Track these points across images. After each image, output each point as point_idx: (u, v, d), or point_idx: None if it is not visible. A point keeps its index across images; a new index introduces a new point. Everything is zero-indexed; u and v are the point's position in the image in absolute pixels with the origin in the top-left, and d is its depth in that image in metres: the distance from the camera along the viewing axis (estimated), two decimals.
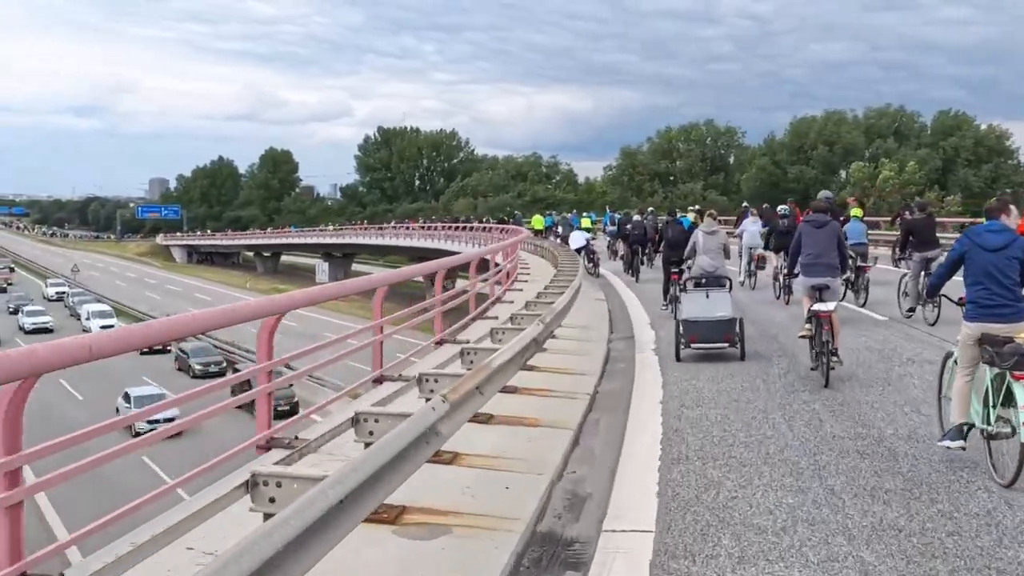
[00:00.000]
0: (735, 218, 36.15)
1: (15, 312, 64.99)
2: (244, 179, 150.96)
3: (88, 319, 54.96)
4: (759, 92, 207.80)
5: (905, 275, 14.94)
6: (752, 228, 21.24)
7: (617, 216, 37.41)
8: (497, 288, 18.23)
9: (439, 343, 11.80)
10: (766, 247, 19.60)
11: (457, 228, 53.11)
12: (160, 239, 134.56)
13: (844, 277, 14.51)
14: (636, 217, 28.60)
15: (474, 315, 14.59)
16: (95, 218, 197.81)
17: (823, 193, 15.89)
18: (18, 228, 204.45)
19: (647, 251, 26.54)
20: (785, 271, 16.09)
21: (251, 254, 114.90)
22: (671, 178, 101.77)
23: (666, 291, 17.33)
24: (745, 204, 38.10)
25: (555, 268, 22.51)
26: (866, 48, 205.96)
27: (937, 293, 7.93)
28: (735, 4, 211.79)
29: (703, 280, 13.02)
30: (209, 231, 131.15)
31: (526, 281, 22.80)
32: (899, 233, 16.32)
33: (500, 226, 45.24)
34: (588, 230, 33.79)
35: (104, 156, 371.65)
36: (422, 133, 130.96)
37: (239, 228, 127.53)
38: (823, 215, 11.32)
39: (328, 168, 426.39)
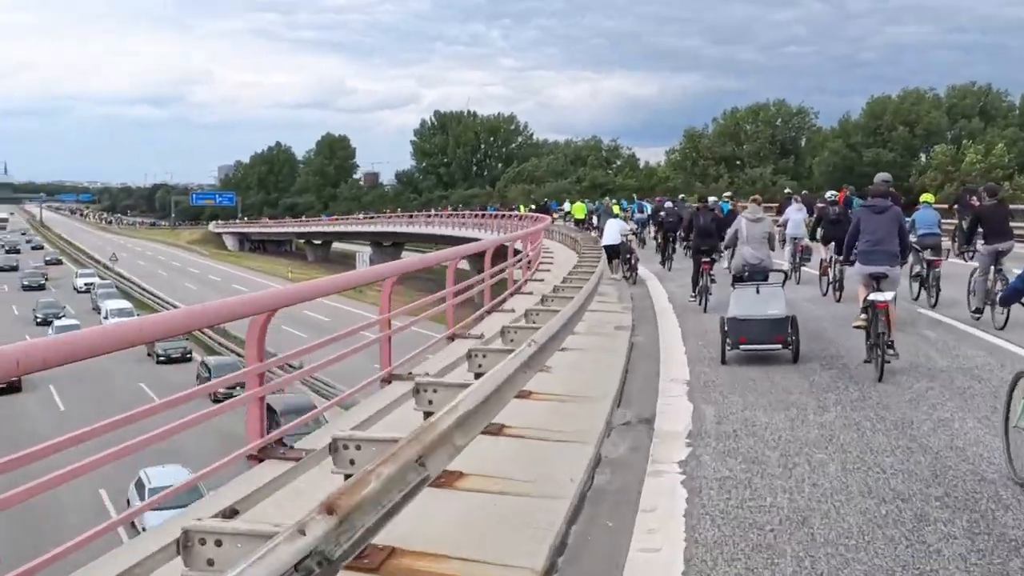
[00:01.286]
0: (777, 205, 35.81)
1: (44, 323, 55.17)
2: (301, 165, 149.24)
3: (106, 317, 52.03)
4: (832, 76, 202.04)
5: (975, 270, 13.52)
6: (796, 216, 20.16)
7: (646, 204, 37.94)
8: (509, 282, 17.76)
9: (451, 338, 11.65)
10: (812, 237, 18.53)
11: (484, 216, 52.06)
12: (212, 227, 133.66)
13: (915, 272, 14.86)
14: (668, 204, 28.39)
15: (488, 307, 14.46)
16: (161, 205, 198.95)
17: (881, 176, 13.98)
18: (81, 215, 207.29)
19: (678, 239, 24.97)
20: (838, 262, 15.29)
21: (302, 242, 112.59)
22: (738, 162, 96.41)
23: (695, 282, 16.76)
24: (788, 191, 36.57)
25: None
26: (945, 30, 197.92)
27: (1015, 303, 7.30)
28: None
29: (746, 273, 12.29)
30: (267, 218, 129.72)
31: (548, 271, 22.52)
32: (965, 222, 15.31)
33: (529, 215, 42.98)
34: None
35: (177, 145, 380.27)
36: (479, 117, 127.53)
37: (295, 215, 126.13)
38: (883, 199, 10.81)
39: (394, 155, 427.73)
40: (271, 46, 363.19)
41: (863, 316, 10.19)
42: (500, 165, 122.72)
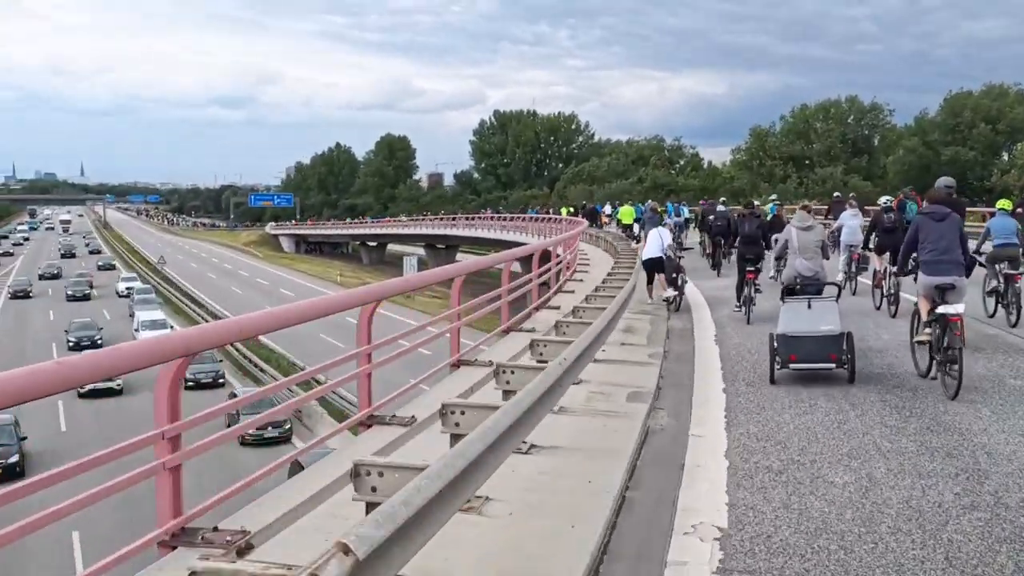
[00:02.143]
0: (825, 209, 34.14)
1: (76, 347, 46.53)
2: (362, 166, 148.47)
3: (138, 329, 48.59)
4: (905, 73, 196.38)
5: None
6: (852, 222, 18.99)
7: (684, 208, 37.62)
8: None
9: (507, 331, 12.78)
10: (865, 246, 17.45)
11: (524, 220, 51.87)
12: (269, 228, 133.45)
13: (990, 288, 14.02)
14: (720, 208, 26.87)
15: (537, 304, 15.39)
16: (227, 206, 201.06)
17: (944, 180, 13.14)
18: (147, 216, 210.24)
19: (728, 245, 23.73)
20: (892, 274, 14.19)
21: (357, 244, 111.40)
22: (807, 161, 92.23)
23: (740, 291, 16.32)
24: (837, 194, 35.40)
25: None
26: (1022, 24, 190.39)
27: None
28: None
29: (797, 286, 11.74)
30: (329, 219, 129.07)
31: (586, 271, 23.47)
32: None
33: (567, 218, 41.67)
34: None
35: (248, 146, 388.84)
36: (539, 116, 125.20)
37: (354, 216, 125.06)
38: (943, 207, 10.32)
39: (458, 156, 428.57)
40: (340, 47, 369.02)
41: (927, 330, 9.84)
42: (560, 165, 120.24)
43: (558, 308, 14.88)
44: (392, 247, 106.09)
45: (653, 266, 17.63)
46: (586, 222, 37.26)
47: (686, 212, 38.64)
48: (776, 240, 13.90)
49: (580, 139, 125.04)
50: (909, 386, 9.97)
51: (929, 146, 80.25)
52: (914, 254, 10.31)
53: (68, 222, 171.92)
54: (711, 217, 26.13)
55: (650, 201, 35.65)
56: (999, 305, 13.88)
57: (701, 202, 41.67)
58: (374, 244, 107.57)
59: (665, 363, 11.55)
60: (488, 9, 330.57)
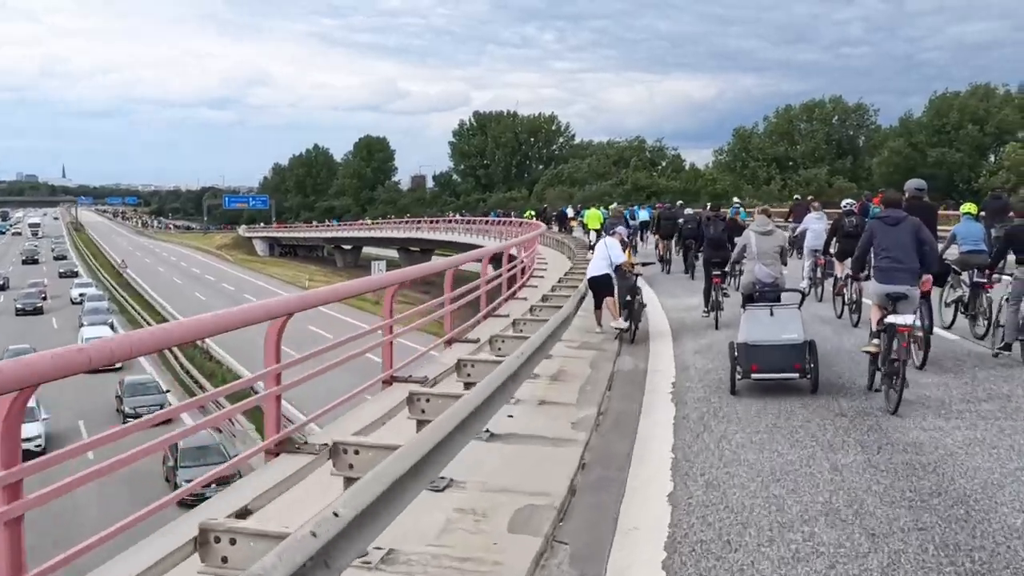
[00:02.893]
0: (786, 212, 33.68)
1: None
2: (341, 168, 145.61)
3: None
4: (894, 76, 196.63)
5: (1005, 298, 11.73)
6: (816, 226, 18.32)
7: (638, 210, 36.99)
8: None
9: (449, 342, 12.47)
10: (825, 251, 17.01)
11: (487, 223, 51.39)
12: (242, 231, 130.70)
13: (953, 297, 13.53)
14: (689, 211, 26.88)
15: (484, 313, 15.09)
16: (209, 208, 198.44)
17: (913, 182, 12.54)
18: (122, 218, 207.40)
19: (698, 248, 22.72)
20: (854, 281, 13.88)
21: (332, 247, 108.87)
22: (791, 163, 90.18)
23: (707, 296, 16.03)
24: (797, 197, 34.79)
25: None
26: (1011, 28, 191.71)
27: None
28: None
29: (757, 292, 11.18)
30: (309, 222, 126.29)
31: (542, 277, 23.12)
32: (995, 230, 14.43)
33: (528, 222, 41.71)
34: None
35: (234, 148, 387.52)
36: (519, 117, 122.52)
37: (332, 218, 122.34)
38: (898, 210, 9.91)
39: (443, 157, 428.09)
40: (328, 49, 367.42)
41: (875, 341, 9.60)
42: (541, 167, 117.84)
43: (507, 316, 14.76)
44: (368, 250, 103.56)
45: (599, 287, 14.29)
46: (543, 226, 36.71)
47: (643, 215, 36.44)
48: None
49: (561, 140, 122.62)
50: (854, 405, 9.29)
51: (915, 147, 78.39)
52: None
53: (37, 225, 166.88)
54: (681, 220, 25.62)
55: (615, 204, 33.57)
56: (960, 314, 13.34)
57: (658, 205, 40.52)
58: (349, 247, 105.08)
59: (595, 436, 8.33)
60: (475, 11, 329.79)
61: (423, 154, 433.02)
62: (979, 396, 9.44)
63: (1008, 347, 11.33)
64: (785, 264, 12.50)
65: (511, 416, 8.17)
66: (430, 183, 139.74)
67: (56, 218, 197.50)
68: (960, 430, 8.11)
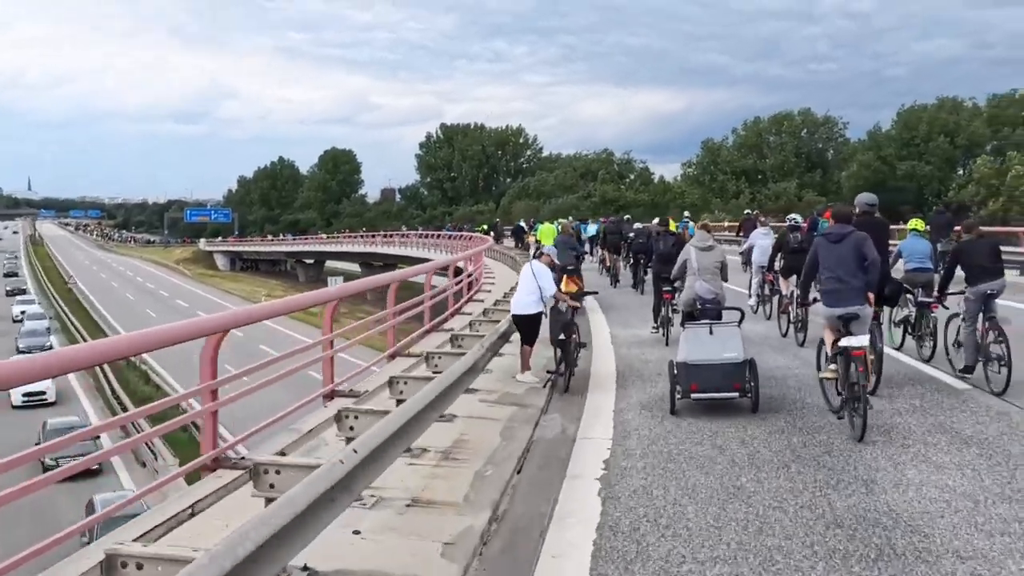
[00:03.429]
0: (736, 226, 33.44)
1: None
2: (306, 180, 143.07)
3: None
4: (861, 92, 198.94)
5: (955, 317, 11.37)
6: (763, 242, 17.96)
7: (586, 225, 36.45)
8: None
9: (392, 356, 12.62)
10: (770, 268, 16.66)
11: (439, 237, 51.94)
12: (203, 244, 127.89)
13: (901, 316, 12.93)
14: (638, 225, 26.51)
15: (428, 327, 15.22)
16: (172, 222, 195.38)
17: (863, 197, 11.62)
18: (83, 231, 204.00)
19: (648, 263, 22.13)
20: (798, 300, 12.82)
21: (294, 261, 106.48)
22: (760, 176, 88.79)
23: (657, 311, 15.76)
24: (748, 211, 34.38)
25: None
26: (970, 45, 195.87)
27: None
28: (836, 2, 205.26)
29: (698, 309, 11.50)
30: (260, 235, 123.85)
31: (490, 291, 23.16)
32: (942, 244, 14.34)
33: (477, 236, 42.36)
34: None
35: (202, 161, 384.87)
36: (487, 130, 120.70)
37: (297, 232, 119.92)
38: (844, 225, 9.49)
39: (412, 171, 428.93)
40: (298, 63, 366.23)
41: (831, 367, 9.12)
42: (509, 180, 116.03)
43: (450, 330, 14.67)
44: (331, 264, 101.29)
45: (525, 328, 11.69)
46: (490, 240, 36.81)
47: (591, 230, 35.50)
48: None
49: (529, 153, 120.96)
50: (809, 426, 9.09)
51: (884, 160, 77.42)
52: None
53: None
54: (631, 235, 25.22)
55: (569, 218, 32.45)
56: (907, 335, 12.89)
57: (602, 219, 39.83)
58: (311, 261, 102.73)
59: (478, 565, 5.75)
60: (446, 26, 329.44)
61: (393, 168, 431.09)
62: (929, 423, 9.01)
63: (970, 369, 10.84)
64: (726, 280, 12.51)
65: (358, 533, 5.84)
66: (400, 197, 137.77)
67: (16, 232, 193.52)
68: (908, 459, 7.79)
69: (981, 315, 10.80)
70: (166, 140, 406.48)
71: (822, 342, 9.78)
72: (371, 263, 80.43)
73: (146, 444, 28.84)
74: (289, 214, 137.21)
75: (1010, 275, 14.40)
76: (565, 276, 19.05)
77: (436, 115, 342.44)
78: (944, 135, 75.36)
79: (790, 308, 14.94)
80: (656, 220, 22.22)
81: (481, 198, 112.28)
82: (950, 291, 11.35)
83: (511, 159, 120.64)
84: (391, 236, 68.66)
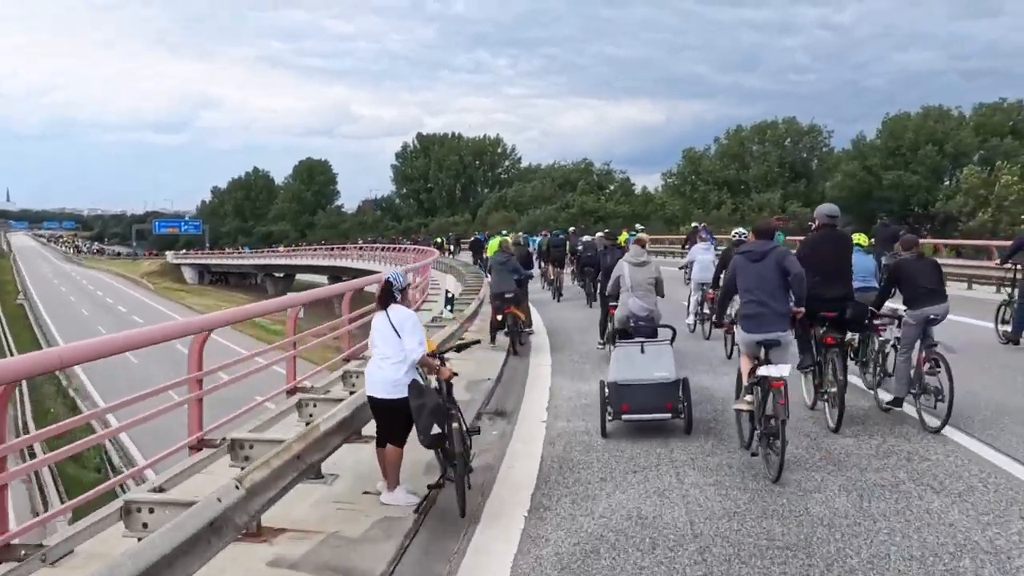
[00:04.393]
0: (683, 239, 33.46)
1: None
2: (282, 191, 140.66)
3: None
4: (840, 103, 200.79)
5: (887, 342, 10.68)
6: (704, 257, 17.53)
7: (532, 238, 36.57)
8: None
9: (347, 359, 13.61)
10: (715, 284, 14.91)
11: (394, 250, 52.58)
12: (170, 257, 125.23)
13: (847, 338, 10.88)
14: (587, 237, 27.20)
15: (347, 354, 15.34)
16: (141, 233, 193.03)
17: (824, 208, 10.46)
18: (54, 243, 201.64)
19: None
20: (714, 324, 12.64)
21: (264, 274, 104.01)
22: (742, 186, 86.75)
23: (603, 327, 15.17)
24: (695, 224, 33.23)
25: None
26: (948, 57, 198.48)
27: None
28: (815, 14, 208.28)
29: (631, 327, 11.52)
30: (240, 248, 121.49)
31: (435, 302, 23.24)
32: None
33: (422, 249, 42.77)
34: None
35: (183, 172, 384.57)
36: (464, 140, 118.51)
37: (270, 244, 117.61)
38: (766, 241, 9.01)
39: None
40: (279, 73, 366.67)
41: (748, 397, 8.46)
42: (487, 190, 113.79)
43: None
44: (301, 277, 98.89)
45: (384, 419, 7.62)
46: (436, 253, 37.20)
47: (535, 243, 34.37)
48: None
49: (507, 164, 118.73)
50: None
51: (869, 170, 75.49)
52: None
53: None
54: (580, 248, 25.14)
55: (517, 232, 31.03)
56: (853, 361, 11.54)
57: (543, 232, 39.85)
58: (281, 275, 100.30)
59: None
60: (428, 37, 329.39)
61: (374, 179, 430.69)
62: (869, 462, 8.46)
63: (899, 402, 10.09)
64: (661, 296, 12.29)
65: None
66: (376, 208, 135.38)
67: None
68: (837, 497, 7.43)
69: (919, 342, 9.91)
70: (147, 151, 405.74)
71: (739, 372, 9.14)
72: (340, 276, 78.33)
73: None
74: (263, 226, 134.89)
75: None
76: (493, 310, 16.97)
77: (419, 126, 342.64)
78: (931, 144, 73.56)
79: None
80: (600, 233, 22.15)
81: (458, 209, 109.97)
82: (884, 314, 10.53)
83: (488, 169, 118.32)
84: (346, 248, 69.02)
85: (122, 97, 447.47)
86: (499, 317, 16.38)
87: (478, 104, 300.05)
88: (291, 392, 10.68)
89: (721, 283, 13.82)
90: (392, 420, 7.48)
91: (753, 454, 8.41)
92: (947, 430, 9.29)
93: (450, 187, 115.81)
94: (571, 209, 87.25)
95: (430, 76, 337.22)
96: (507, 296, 16.43)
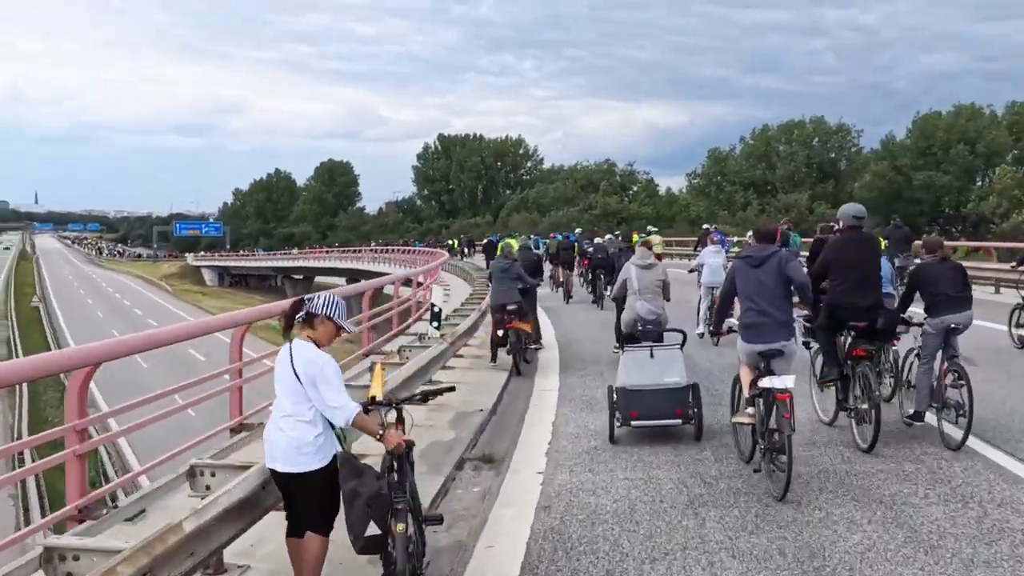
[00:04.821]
0: (695, 242, 33.63)
1: None
2: (303, 193, 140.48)
3: None
4: (864, 105, 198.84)
5: (912, 352, 9.74)
6: (714, 260, 17.06)
7: (538, 239, 37.46)
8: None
9: (366, 354, 14.07)
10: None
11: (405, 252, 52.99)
12: (191, 259, 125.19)
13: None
14: (598, 240, 27.73)
15: (395, 332, 16.88)
16: (162, 235, 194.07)
17: (850, 208, 9.53)
18: (77, 245, 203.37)
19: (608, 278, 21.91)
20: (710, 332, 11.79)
21: (282, 277, 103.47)
22: (769, 187, 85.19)
23: (618, 332, 13.52)
24: (706, 226, 33.17)
25: None
26: (970, 59, 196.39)
27: None
28: (840, 15, 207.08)
29: (638, 331, 11.21)
30: (255, 251, 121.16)
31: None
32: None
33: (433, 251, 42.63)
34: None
35: (207, 174, 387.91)
36: (485, 141, 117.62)
37: (291, 246, 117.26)
38: (767, 245, 8.43)
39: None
40: (304, 77, 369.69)
41: (749, 410, 8.02)
42: (508, 192, 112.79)
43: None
44: (320, 279, 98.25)
45: (295, 496, 5.53)
46: (445, 255, 37.64)
47: (542, 245, 34.98)
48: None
49: (529, 165, 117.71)
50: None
51: (899, 171, 73.76)
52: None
53: None
54: (590, 249, 25.76)
55: (525, 235, 31.12)
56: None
57: (551, 235, 39.51)
58: (300, 277, 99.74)
59: None
60: (452, 39, 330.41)
61: (399, 181, 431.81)
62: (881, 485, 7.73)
63: (919, 416, 9.43)
64: (668, 299, 12.03)
65: None
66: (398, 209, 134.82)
67: (8, 248, 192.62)
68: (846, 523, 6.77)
69: (940, 353, 9.29)
70: (172, 153, 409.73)
71: (736, 381, 8.77)
72: (357, 279, 77.70)
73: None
74: (284, 227, 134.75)
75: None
76: (493, 324, 15.18)
77: (443, 129, 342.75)
78: (963, 143, 71.80)
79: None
80: (609, 235, 22.84)
81: (479, 211, 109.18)
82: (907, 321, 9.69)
83: (510, 171, 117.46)
84: (360, 251, 68.67)
85: (147, 101, 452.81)
86: (500, 332, 14.56)
87: (502, 106, 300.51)
88: (236, 430, 9.34)
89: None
90: (308, 500, 5.42)
91: (756, 470, 7.94)
92: (974, 443, 8.80)
93: (471, 188, 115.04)
94: (594, 210, 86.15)
95: (454, 79, 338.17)
96: (509, 308, 14.61)
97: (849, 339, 9.31)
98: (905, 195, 70.76)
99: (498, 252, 16.72)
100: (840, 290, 8.96)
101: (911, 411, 9.52)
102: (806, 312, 9.59)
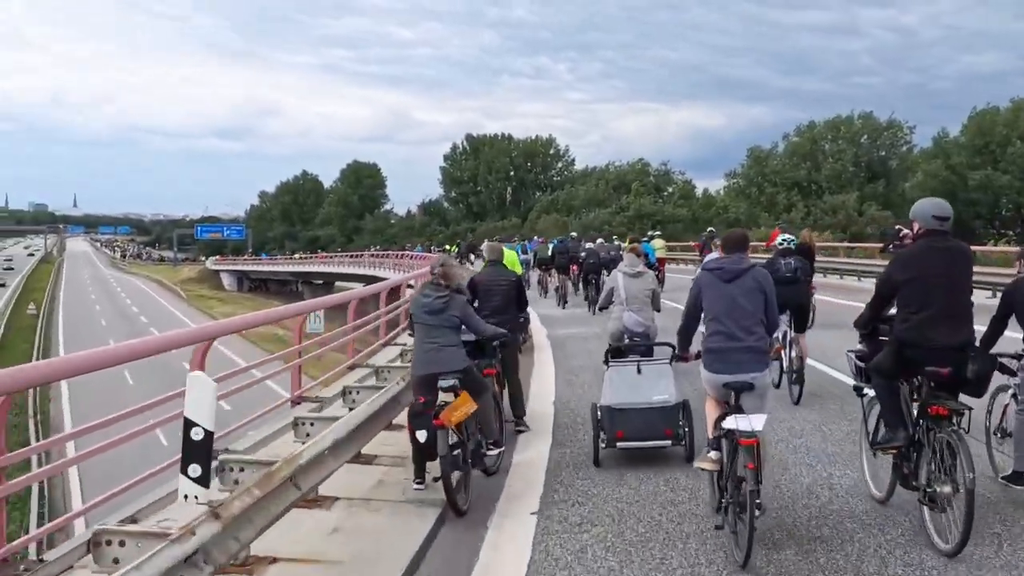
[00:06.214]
0: (699, 246, 33.37)
1: None
2: (330, 195, 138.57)
3: None
4: (904, 105, 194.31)
5: (1004, 390, 7.71)
6: None
7: (526, 244, 37.53)
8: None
9: (352, 367, 13.51)
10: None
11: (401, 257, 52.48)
12: (210, 263, 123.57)
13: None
14: (589, 245, 27.95)
15: (384, 341, 16.46)
16: (183, 239, 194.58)
17: (928, 206, 6.91)
18: (104, 248, 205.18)
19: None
20: (793, 341, 11.72)
21: (301, 281, 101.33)
22: (814, 187, 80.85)
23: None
24: (711, 229, 32.74)
25: None
26: (1015, 58, 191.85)
27: None
28: (879, 16, 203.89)
29: (625, 343, 10.41)
30: (252, 254, 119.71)
31: None
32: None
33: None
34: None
35: (243, 176, 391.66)
36: (514, 141, 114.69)
37: (315, 249, 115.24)
38: (741, 256, 7.17)
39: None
40: (341, 80, 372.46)
41: (712, 454, 6.78)
42: (538, 194, 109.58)
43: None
44: (340, 285, 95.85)
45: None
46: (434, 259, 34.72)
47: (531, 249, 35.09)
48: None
49: (560, 166, 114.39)
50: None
51: (953, 170, 69.41)
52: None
53: (11, 259, 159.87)
54: (583, 254, 26.14)
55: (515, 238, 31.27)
56: None
57: (538, 240, 39.63)
58: (320, 282, 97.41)
59: None
60: (488, 42, 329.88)
61: (432, 184, 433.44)
62: None
63: (1019, 478, 7.17)
64: (658, 310, 11.29)
65: None
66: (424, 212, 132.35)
67: (34, 252, 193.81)
68: None
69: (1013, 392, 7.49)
70: (209, 157, 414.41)
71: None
72: (372, 284, 75.21)
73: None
74: (309, 230, 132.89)
75: None
76: (411, 415, 7.68)
77: (478, 130, 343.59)
78: (1023, 140, 67.33)
79: (782, 353, 12.01)
80: (602, 239, 22.98)
81: (508, 213, 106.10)
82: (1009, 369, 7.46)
83: (540, 172, 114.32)
84: (359, 255, 68.94)
85: (185, 105, 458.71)
86: (419, 435, 7.45)
87: (537, 109, 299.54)
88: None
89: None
90: None
91: (718, 527, 6.64)
92: None
93: (500, 190, 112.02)
94: (626, 212, 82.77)
95: (490, 81, 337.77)
96: (443, 385, 7.83)
97: (924, 389, 6.66)
98: (960, 196, 66.42)
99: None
100: (914, 321, 6.52)
101: (1009, 471, 7.45)
102: (859, 347, 7.45)
